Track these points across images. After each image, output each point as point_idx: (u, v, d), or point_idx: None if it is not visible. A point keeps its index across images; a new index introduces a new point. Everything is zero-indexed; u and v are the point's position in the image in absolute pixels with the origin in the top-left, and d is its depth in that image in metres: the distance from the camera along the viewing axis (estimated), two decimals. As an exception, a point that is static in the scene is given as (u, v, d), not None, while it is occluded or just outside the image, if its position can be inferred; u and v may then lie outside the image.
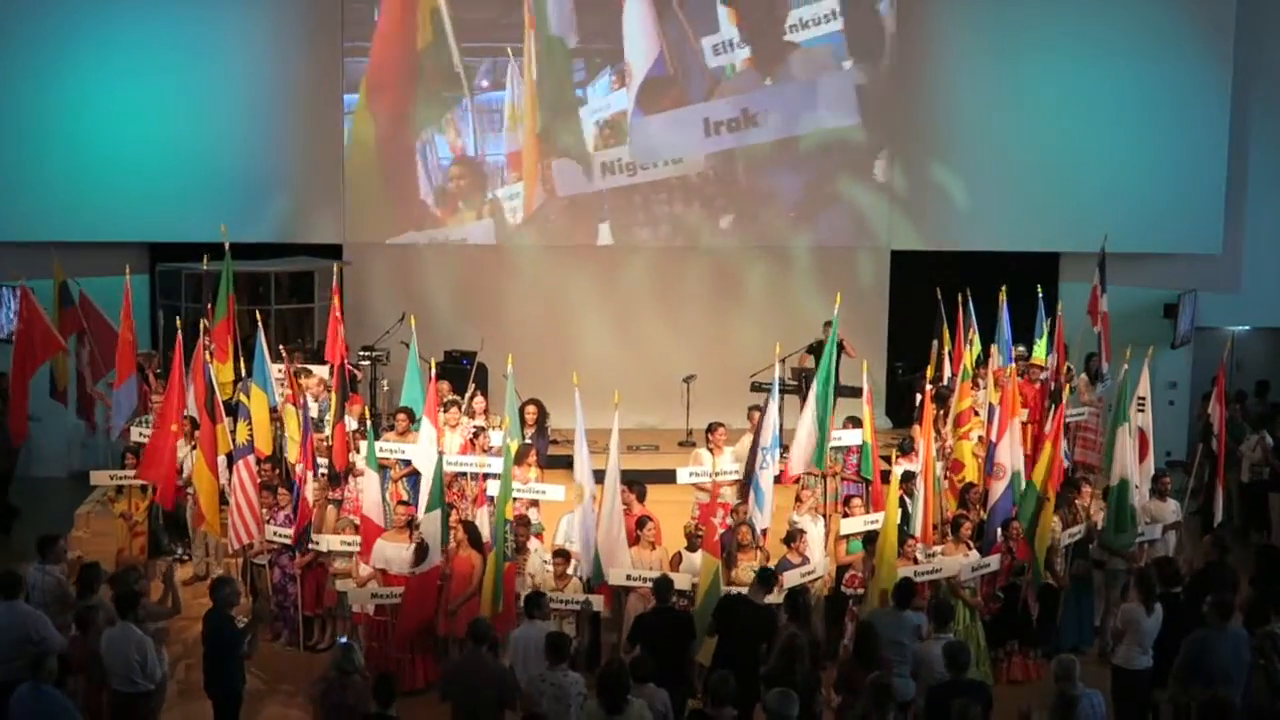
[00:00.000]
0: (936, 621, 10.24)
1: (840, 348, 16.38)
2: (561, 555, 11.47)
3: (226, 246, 14.49)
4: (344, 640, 10.26)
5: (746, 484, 12.35)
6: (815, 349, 16.13)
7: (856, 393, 13.53)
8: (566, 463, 12.59)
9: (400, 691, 9.02)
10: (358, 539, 11.89)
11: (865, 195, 18.17)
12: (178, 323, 14.16)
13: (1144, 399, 13.39)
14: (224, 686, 10.14)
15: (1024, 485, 12.21)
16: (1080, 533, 12.41)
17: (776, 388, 12.62)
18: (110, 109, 16.92)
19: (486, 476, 12.54)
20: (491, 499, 11.87)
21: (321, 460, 12.84)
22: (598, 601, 11.20)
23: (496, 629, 10.26)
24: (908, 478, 12.33)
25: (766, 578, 10.69)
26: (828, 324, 16.60)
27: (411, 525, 11.65)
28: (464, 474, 12.77)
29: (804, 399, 15.24)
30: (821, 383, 12.76)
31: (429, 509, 11.52)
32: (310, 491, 12.15)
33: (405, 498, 12.38)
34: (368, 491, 11.92)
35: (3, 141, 16.75)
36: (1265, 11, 17.82)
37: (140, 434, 13.66)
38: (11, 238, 16.56)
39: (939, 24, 17.84)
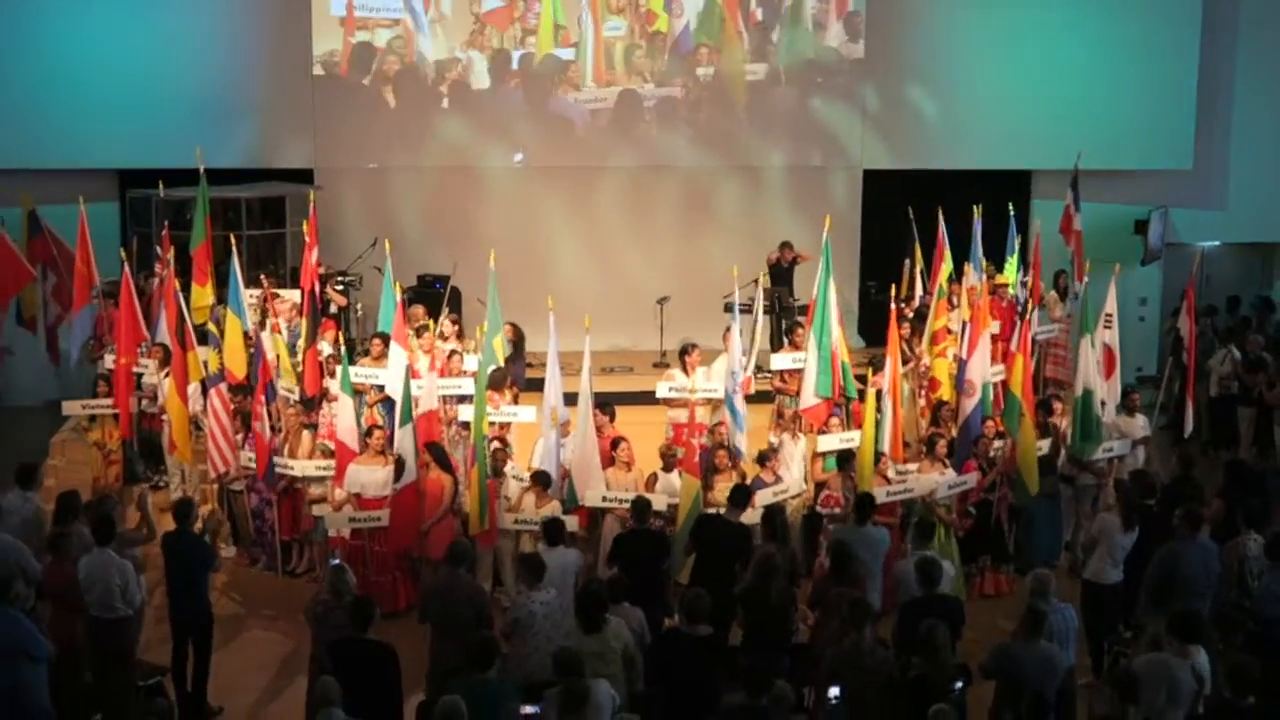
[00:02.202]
0: (918, 539, 10.29)
1: (796, 260, 16.42)
2: (538, 477, 11.48)
3: (202, 170, 14.36)
4: (336, 562, 10.27)
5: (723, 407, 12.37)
6: (773, 270, 16.14)
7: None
8: (542, 386, 12.57)
9: (381, 614, 9.02)
10: (332, 464, 11.84)
11: (838, 114, 18.07)
12: (123, 252, 13.96)
13: (1110, 315, 13.37)
14: (196, 608, 10.15)
15: (1006, 399, 12.25)
16: (1045, 446, 12.45)
17: (737, 309, 12.57)
18: (77, 34, 16.67)
19: (460, 399, 12.52)
20: (466, 424, 11.87)
21: (290, 385, 12.81)
22: (571, 522, 11.22)
23: (481, 544, 10.35)
24: (879, 397, 12.36)
25: (739, 496, 10.70)
26: (785, 244, 16.70)
27: (386, 449, 11.63)
28: (441, 399, 12.71)
29: (775, 319, 15.25)
30: (820, 310, 12.70)
31: (400, 424, 11.54)
32: (278, 414, 12.19)
33: (380, 422, 12.30)
34: (342, 417, 11.82)
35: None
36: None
37: (113, 362, 13.61)
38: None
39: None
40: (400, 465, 11.38)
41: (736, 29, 17.77)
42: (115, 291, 13.68)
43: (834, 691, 7.90)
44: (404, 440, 11.48)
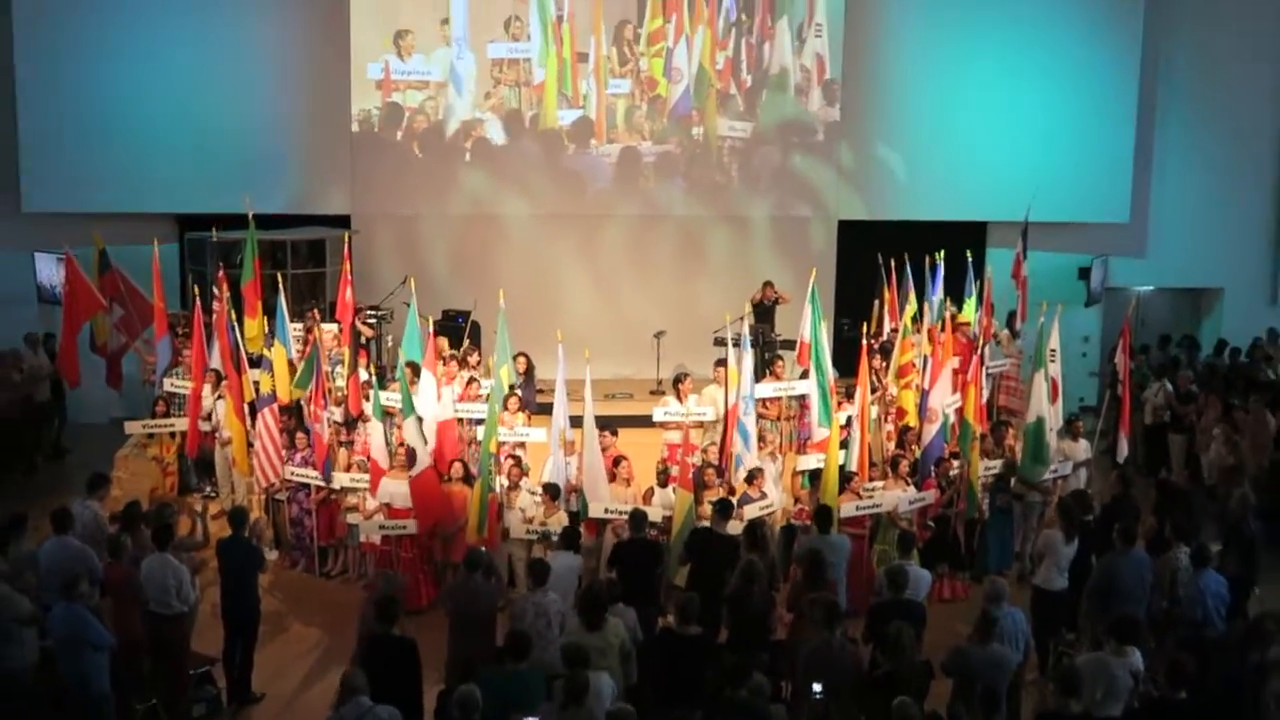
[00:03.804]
0: (901, 551, 10.33)
1: (777, 301, 16.42)
2: (548, 489, 11.50)
3: (250, 216, 14.43)
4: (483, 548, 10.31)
5: (729, 428, 12.31)
6: (756, 308, 16.17)
7: (791, 345, 13.53)
8: (551, 410, 12.58)
9: (405, 611, 9.04)
10: (366, 477, 11.87)
11: (816, 170, 18.11)
12: (196, 289, 14.12)
13: (1055, 350, 13.42)
14: (247, 607, 10.17)
15: (961, 426, 12.28)
16: (998, 466, 12.49)
17: (747, 341, 12.59)
18: (143, 94, 16.71)
19: (476, 422, 12.55)
20: (476, 441, 11.90)
21: (333, 408, 12.83)
22: (581, 532, 11.21)
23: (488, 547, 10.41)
24: (850, 422, 12.37)
25: (723, 509, 10.70)
26: (767, 283, 16.74)
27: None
28: (461, 419, 12.72)
29: (759, 352, 15.26)
30: (815, 350, 12.71)
31: (405, 415, 11.60)
32: (324, 431, 12.17)
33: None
34: (374, 436, 11.88)
35: (48, 123, 16.55)
36: (1169, 6, 17.73)
37: (171, 384, 13.65)
38: (58, 209, 16.42)
39: (883, 22, 17.74)
40: (412, 455, 11.41)
41: (728, 93, 17.81)
42: (179, 324, 13.74)
43: (817, 687, 7.88)
44: (409, 431, 11.50)
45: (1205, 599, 9.66)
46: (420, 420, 11.65)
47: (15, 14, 16.32)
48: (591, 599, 8.70)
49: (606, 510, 11.46)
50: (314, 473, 12.09)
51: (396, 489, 11.57)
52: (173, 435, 13.20)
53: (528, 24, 17.34)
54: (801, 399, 13.20)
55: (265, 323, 14.13)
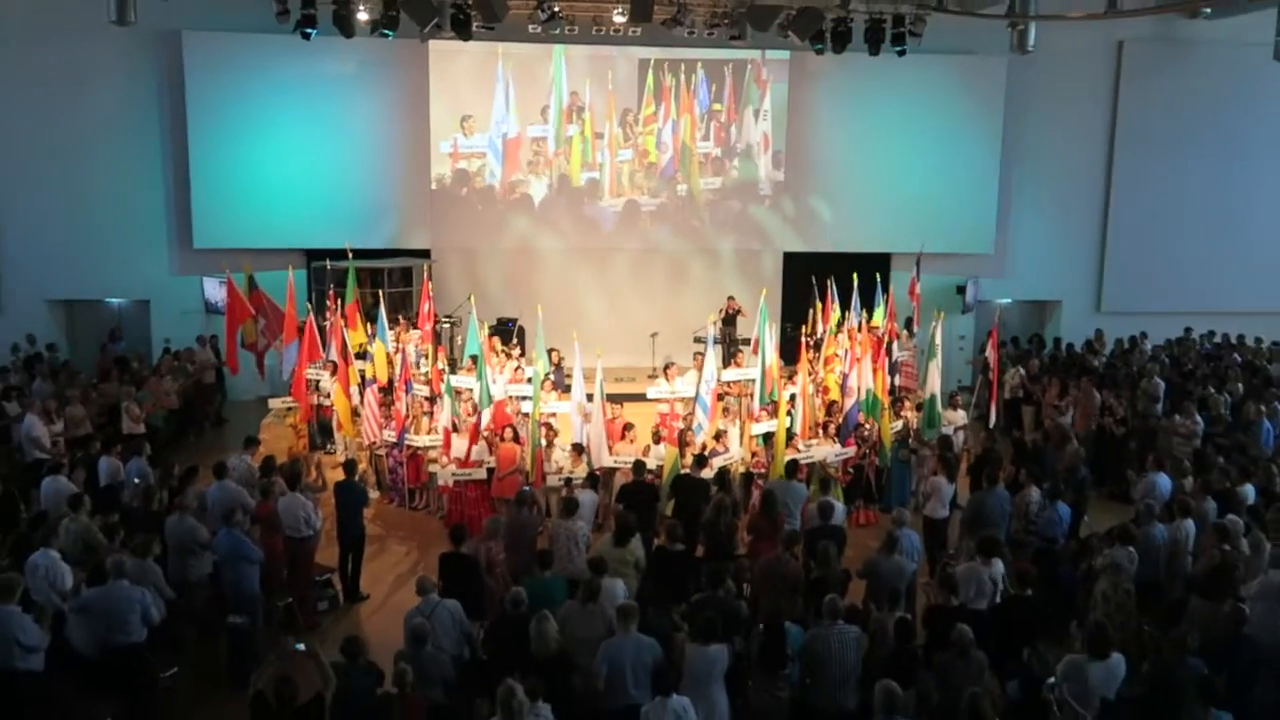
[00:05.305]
0: (820, 488, 10.34)
1: (739, 312, 16.38)
2: (575, 447, 11.53)
3: (350, 254, 14.50)
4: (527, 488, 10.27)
5: (694, 404, 12.32)
6: (724, 317, 16.15)
7: (747, 342, 13.51)
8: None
9: (470, 535, 9.06)
10: (440, 438, 11.88)
11: (767, 216, 18.06)
12: (310, 305, 14.02)
13: (939, 346, 13.40)
14: (355, 532, 10.19)
15: (873, 400, 12.28)
16: (901, 429, 12.52)
17: (711, 341, 12.61)
18: (281, 161, 16.67)
19: (522, 398, 12.56)
20: (525, 414, 11.91)
21: (420, 387, 12.81)
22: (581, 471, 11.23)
23: (534, 487, 10.54)
24: (793, 398, 12.38)
25: (701, 460, 10.74)
26: (730, 297, 16.73)
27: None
28: (510, 397, 12.76)
29: (725, 347, 15.23)
30: (763, 347, 12.64)
31: (482, 408, 11.78)
32: (404, 406, 12.19)
33: (471, 413, 12.35)
34: (446, 410, 11.92)
35: (213, 183, 16.52)
36: (1024, 88, 17.64)
37: (311, 372, 13.63)
38: (219, 245, 16.43)
39: (814, 109, 17.67)
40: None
41: (703, 161, 17.74)
42: (303, 329, 13.73)
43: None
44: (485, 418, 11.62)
45: (1055, 523, 9.71)
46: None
47: (189, 104, 16.32)
48: (623, 524, 8.74)
49: (615, 461, 11.47)
50: (396, 436, 12.13)
51: (461, 448, 11.57)
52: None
53: (556, 112, 17.27)
54: (753, 382, 13.22)
55: (367, 328, 14.11)
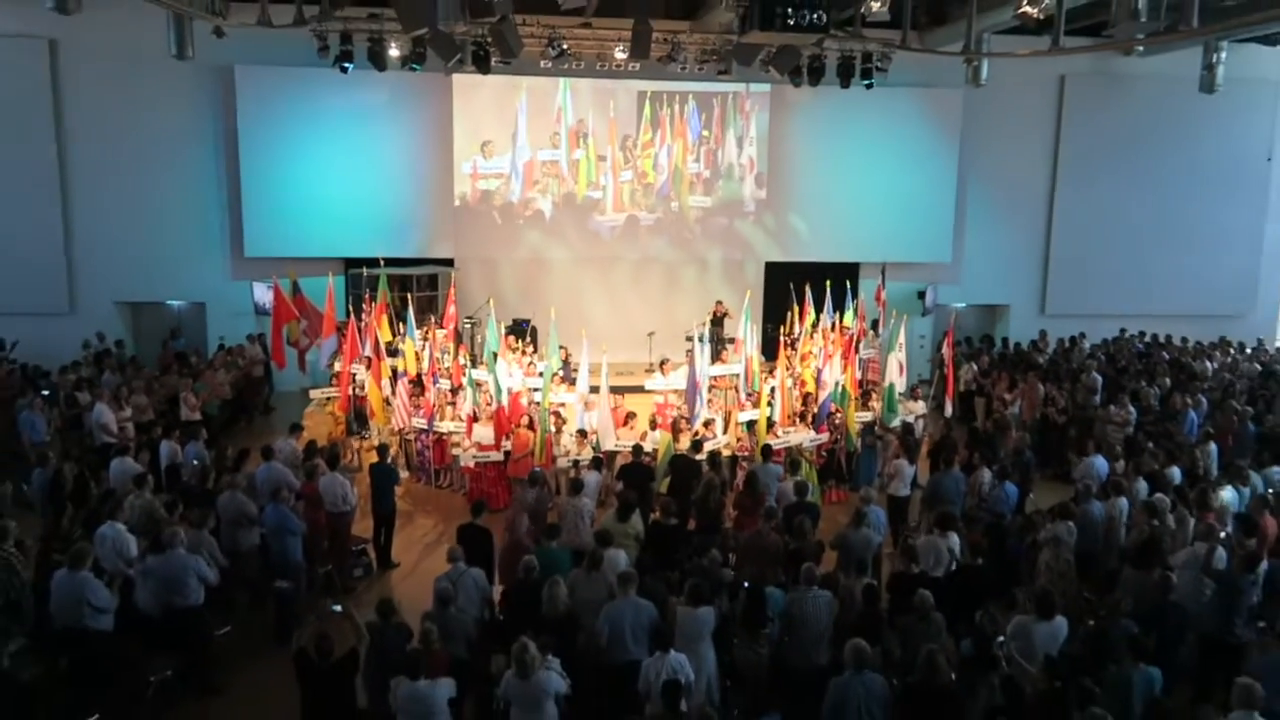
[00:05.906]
0: (792, 469, 10.30)
1: (726, 314, 16.35)
2: (580, 432, 11.49)
3: (382, 263, 14.56)
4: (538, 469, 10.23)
5: (692, 396, 12.28)
6: (713, 318, 16.10)
7: (733, 341, 13.47)
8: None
9: (488, 509, 9.05)
10: (463, 424, 11.85)
11: (751, 230, 18.00)
12: (349, 308, 13.97)
13: (902, 344, 13.39)
14: (387, 508, 10.16)
15: (842, 393, 12.25)
16: (867, 417, 12.48)
17: (702, 339, 12.57)
18: (322, 178, 16.56)
19: (534, 390, 12.56)
20: (537, 403, 11.90)
21: (443, 380, 12.78)
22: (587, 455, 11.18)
23: (544, 468, 10.46)
24: (773, 390, 12.35)
25: (696, 445, 10.73)
26: (718, 301, 16.69)
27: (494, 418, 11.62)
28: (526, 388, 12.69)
29: (713, 345, 15.16)
30: (746, 344, 12.61)
31: (498, 402, 11.66)
32: (433, 396, 12.17)
33: (490, 403, 12.32)
34: (468, 400, 11.89)
35: (261, 198, 16.40)
36: (977, 117, 17.59)
37: (340, 366, 13.56)
38: (267, 254, 16.29)
39: (792, 134, 17.58)
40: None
41: (694, 181, 17.70)
42: (341, 329, 13.71)
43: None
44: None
45: (1004, 501, 9.69)
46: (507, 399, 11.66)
47: (241, 129, 16.24)
48: (625, 502, 8.72)
49: (616, 444, 11.46)
50: (424, 423, 12.10)
51: (483, 433, 11.55)
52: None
53: (566, 138, 17.19)
54: (738, 376, 13.20)
55: (397, 327, 14.07)
